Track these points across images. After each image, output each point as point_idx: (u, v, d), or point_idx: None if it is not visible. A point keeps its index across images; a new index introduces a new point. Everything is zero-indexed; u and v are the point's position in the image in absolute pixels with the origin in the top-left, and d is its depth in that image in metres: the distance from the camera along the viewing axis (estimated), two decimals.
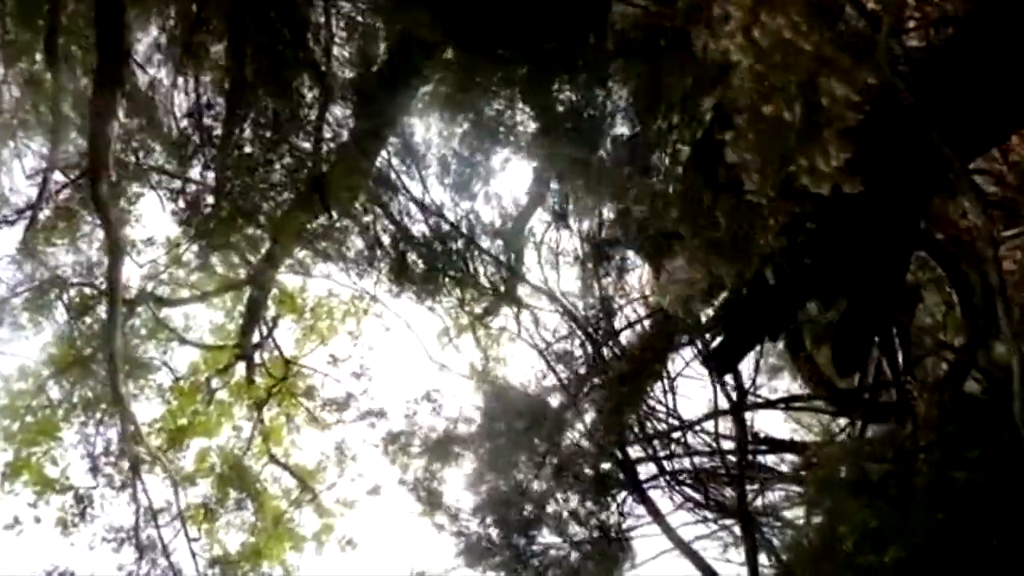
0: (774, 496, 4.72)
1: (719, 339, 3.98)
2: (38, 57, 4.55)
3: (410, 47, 3.64)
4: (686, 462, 4.83)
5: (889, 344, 3.93)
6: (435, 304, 5.19)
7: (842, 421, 4.57)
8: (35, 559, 5.54)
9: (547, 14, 3.18)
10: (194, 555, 5.39)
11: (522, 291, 5.23)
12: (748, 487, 4.37)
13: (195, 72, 4.10)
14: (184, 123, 4.26)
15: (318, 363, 6.60)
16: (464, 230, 4.82)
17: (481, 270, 4.94)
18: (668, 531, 4.50)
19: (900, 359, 4.01)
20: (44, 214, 5.15)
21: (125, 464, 5.40)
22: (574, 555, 4.80)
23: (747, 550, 4.16)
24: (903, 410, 3.77)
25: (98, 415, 5.67)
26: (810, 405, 4.77)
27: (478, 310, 5.36)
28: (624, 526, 4.75)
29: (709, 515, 4.62)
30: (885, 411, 4.01)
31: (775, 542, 4.41)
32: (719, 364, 4.04)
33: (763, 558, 4.25)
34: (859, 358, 3.82)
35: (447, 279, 4.87)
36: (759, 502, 4.57)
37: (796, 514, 4.56)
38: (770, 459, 4.76)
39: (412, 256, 4.89)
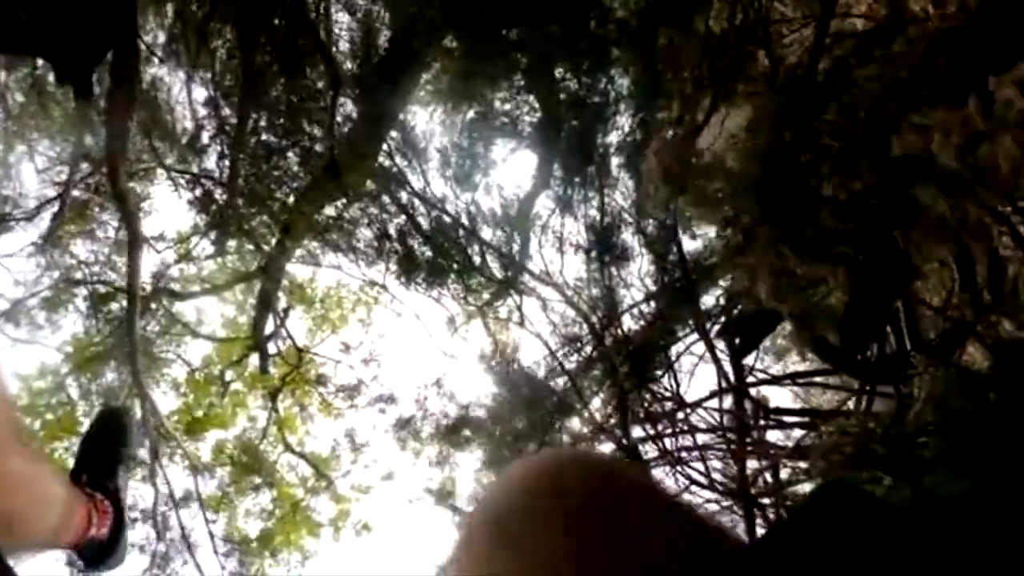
0: (781, 473, 4.72)
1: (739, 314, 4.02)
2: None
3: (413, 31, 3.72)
4: (688, 441, 4.85)
5: (895, 321, 3.95)
6: (442, 293, 5.23)
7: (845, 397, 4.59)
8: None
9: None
10: (212, 536, 5.51)
11: (526, 278, 5.26)
12: (752, 464, 4.40)
13: (209, 62, 4.19)
14: (200, 112, 4.36)
15: (330, 351, 6.72)
16: (466, 219, 4.86)
17: (486, 258, 4.97)
18: None
19: (907, 335, 4.03)
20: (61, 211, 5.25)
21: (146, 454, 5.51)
22: None
23: (747, 530, 4.19)
24: (904, 381, 3.80)
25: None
26: (815, 381, 4.80)
27: (485, 296, 5.40)
28: None
29: (711, 495, 4.65)
30: (889, 376, 4.03)
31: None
32: (742, 337, 4.08)
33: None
34: (869, 337, 3.84)
35: (453, 265, 4.92)
36: (767, 478, 4.59)
37: (803, 490, 4.57)
38: (777, 436, 4.78)
39: (418, 245, 4.94)
